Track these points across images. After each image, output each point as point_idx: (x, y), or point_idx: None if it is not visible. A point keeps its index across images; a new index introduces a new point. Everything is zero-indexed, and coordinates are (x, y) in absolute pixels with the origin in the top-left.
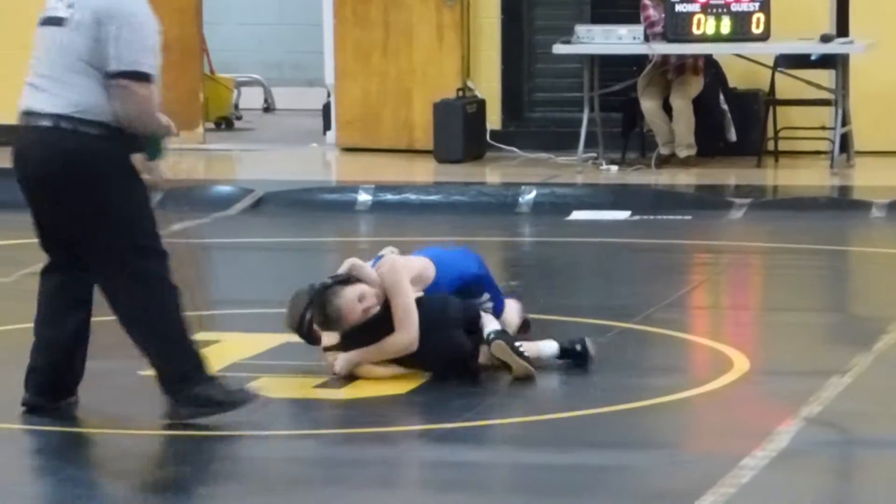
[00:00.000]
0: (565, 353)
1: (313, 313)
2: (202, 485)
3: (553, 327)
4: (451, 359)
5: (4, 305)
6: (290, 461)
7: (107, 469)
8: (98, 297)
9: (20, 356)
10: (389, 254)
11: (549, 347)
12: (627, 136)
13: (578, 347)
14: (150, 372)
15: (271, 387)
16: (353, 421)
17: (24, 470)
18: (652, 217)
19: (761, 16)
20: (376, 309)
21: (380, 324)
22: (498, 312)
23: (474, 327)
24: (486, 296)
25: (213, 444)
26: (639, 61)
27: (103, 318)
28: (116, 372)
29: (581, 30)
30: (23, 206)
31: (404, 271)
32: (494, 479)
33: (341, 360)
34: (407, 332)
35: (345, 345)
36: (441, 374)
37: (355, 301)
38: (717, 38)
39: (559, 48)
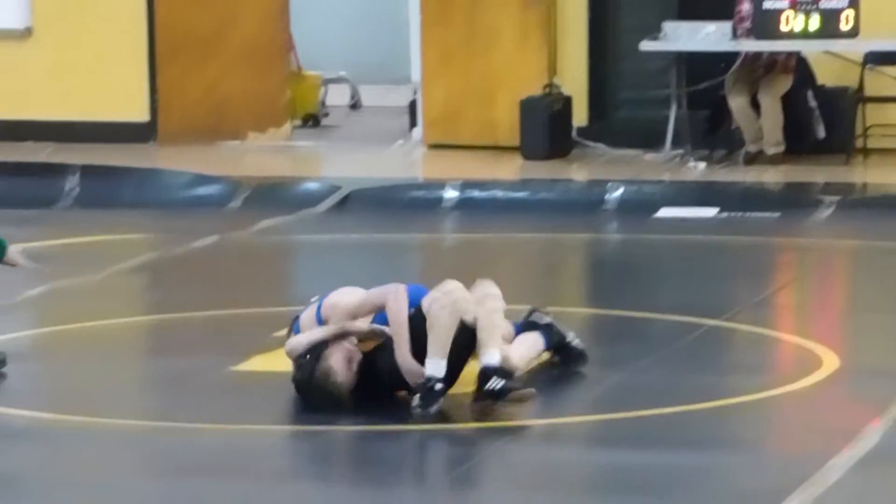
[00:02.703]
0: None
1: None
2: (298, 479)
3: (639, 325)
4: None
5: (94, 302)
6: (375, 458)
7: (198, 464)
8: (184, 298)
9: (111, 352)
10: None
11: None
12: (715, 133)
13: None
14: (240, 367)
15: None
16: (442, 417)
17: (114, 465)
18: (739, 215)
19: (851, 12)
20: (359, 354)
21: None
22: None
23: None
24: None
25: (304, 440)
26: (727, 58)
27: (190, 313)
28: (206, 368)
29: (668, 27)
30: (112, 204)
31: (341, 296)
32: (578, 478)
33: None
34: (385, 301)
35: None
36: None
37: (345, 364)
38: (806, 34)
39: (646, 45)
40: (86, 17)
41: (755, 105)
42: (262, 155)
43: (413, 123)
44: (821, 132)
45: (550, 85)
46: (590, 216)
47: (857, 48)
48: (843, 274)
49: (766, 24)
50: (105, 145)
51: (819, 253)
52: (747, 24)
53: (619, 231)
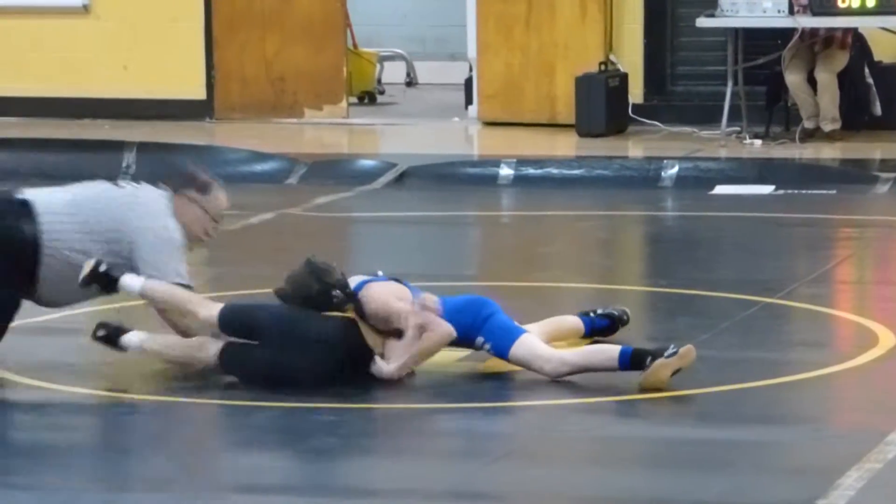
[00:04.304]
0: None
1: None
2: (349, 456)
3: (696, 302)
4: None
5: None
6: (433, 434)
7: (251, 440)
8: (240, 274)
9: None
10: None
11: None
12: (771, 109)
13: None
14: None
15: None
16: (497, 394)
17: (172, 440)
18: (796, 191)
19: None
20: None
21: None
22: (499, 354)
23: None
24: (481, 339)
25: (357, 417)
26: (784, 34)
27: (247, 290)
28: None
29: (725, 2)
30: None
31: (383, 295)
32: (637, 454)
33: (392, 368)
34: (435, 329)
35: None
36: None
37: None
38: (863, 10)
39: (703, 21)
40: None
41: (812, 81)
42: (318, 132)
43: (469, 101)
44: (877, 109)
45: (607, 62)
46: (646, 193)
47: None
48: None
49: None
50: (162, 122)
51: (876, 230)
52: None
53: (675, 208)
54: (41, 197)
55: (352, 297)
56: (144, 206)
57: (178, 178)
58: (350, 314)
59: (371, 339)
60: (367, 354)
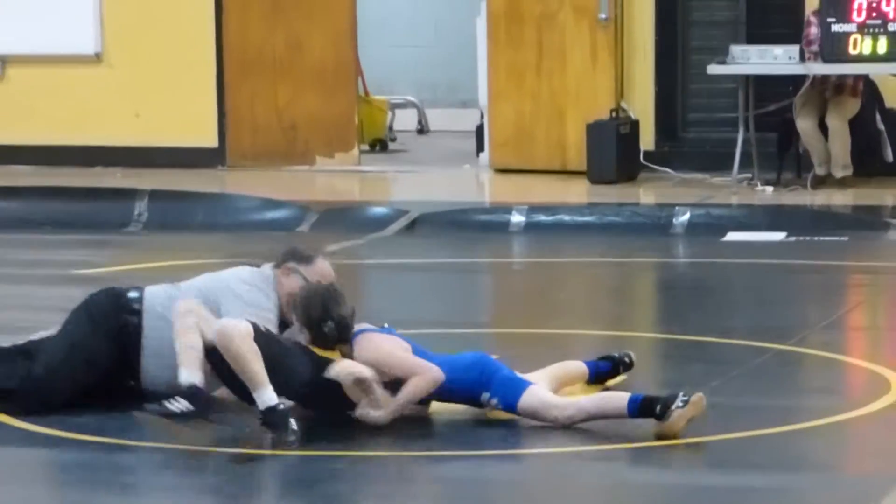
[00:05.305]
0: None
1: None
2: (359, 503)
3: (707, 349)
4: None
5: None
6: (445, 481)
7: (263, 487)
8: None
9: None
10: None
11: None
12: (783, 156)
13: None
14: None
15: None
16: (509, 441)
17: (188, 492)
18: (808, 238)
19: None
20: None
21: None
22: (507, 407)
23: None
24: (486, 395)
25: (366, 464)
26: (795, 81)
27: None
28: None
29: (736, 50)
30: (181, 229)
31: (380, 342)
32: (650, 501)
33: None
34: (423, 374)
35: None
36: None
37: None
38: (874, 58)
39: (714, 69)
40: (155, 42)
41: (823, 128)
42: (330, 179)
43: (480, 148)
44: (889, 155)
45: (618, 109)
46: (657, 240)
47: None
48: None
49: (834, 47)
50: (174, 170)
51: (888, 276)
52: (815, 47)
53: (686, 255)
54: (149, 290)
55: (345, 340)
56: (234, 272)
57: (281, 254)
58: (335, 356)
59: (350, 388)
60: (334, 397)
